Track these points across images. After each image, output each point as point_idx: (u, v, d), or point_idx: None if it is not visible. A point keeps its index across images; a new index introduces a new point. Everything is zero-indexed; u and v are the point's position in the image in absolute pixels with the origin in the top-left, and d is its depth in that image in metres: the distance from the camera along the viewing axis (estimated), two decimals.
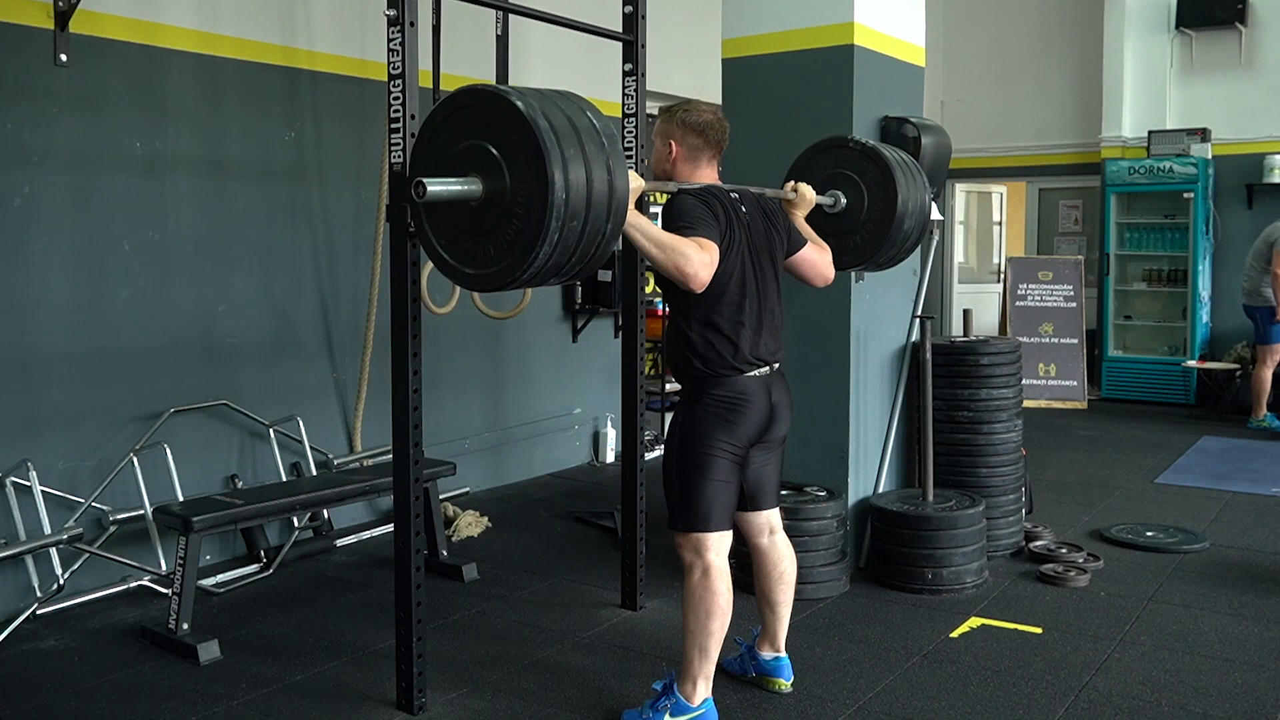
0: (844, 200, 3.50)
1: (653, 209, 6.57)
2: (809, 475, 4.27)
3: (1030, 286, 8.95)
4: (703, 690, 2.91)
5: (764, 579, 3.22)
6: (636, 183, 2.68)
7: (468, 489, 5.51)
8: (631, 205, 2.61)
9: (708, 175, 3.08)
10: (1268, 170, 8.47)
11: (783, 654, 3.24)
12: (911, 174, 3.51)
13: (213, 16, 4.49)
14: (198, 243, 4.48)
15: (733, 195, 3.01)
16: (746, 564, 3.36)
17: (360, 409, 5.08)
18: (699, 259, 2.68)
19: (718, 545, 2.91)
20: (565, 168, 2.24)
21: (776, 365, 3.04)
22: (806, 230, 3.25)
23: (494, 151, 2.32)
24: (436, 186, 2.30)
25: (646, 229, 2.70)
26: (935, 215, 4.48)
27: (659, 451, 6.70)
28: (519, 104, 2.28)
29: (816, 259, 3.22)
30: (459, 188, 2.34)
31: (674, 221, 2.81)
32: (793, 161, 3.64)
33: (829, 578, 4.05)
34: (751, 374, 2.95)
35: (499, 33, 4.97)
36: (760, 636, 3.26)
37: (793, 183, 3.31)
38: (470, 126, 2.39)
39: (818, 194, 3.35)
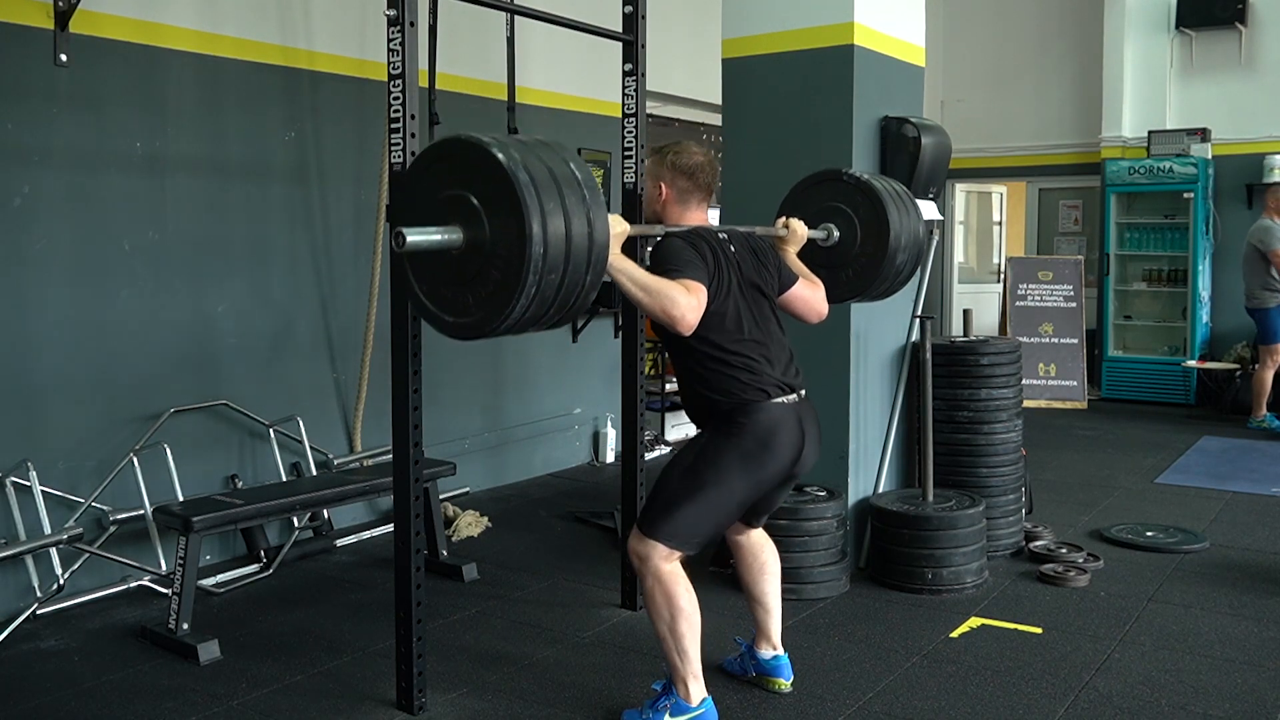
0: (837, 233, 3.49)
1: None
2: (809, 475, 4.25)
3: (1030, 286, 8.95)
4: (697, 690, 2.90)
5: (746, 572, 3.21)
6: (621, 227, 2.68)
7: (468, 489, 5.51)
8: (617, 250, 2.62)
9: (698, 217, 3.09)
10: (1268, 170, 8.47)
11: (781, 652, 3.23)
12: (904, 206, 3.50)
13: (213, 16, 4.49)
14: (198, 243, 4.48)
15: (721, 235, 3.01)
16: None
17: (360, 409, 5.08)
18: (685, 302, 2.67)
19: (671, 556, 2.88)
20: (544, 221, 2.23)
21: (804, 392, 3.00)
22: (798, 266, 3.25)
23: (475, 202, 2.31)
24: (416, 236, 2.30)
25: (633, 274, 2.69)
26: (935, 215, 4.49)
27: (659, 451, 6.71)
28: (499, 155, 2.27)
29: (809, 295, 3.21)
30: (439, 237, 2.33)
31: (661, 264, 2.80)
32: (788, 192, 3.63)
33: (829, 578, 4.05)
34: (780, 400, 2.89)
35: (509, 34, 4.97)
36: (756, 636, 3.26)
37: (784, 219, 3.30)
38: (453, 175, 2.38)
39: (810, 227, 3.35)
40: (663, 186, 3.08)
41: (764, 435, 2.86)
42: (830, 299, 3.31)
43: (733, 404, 2.88)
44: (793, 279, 3.17)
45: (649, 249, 2.99)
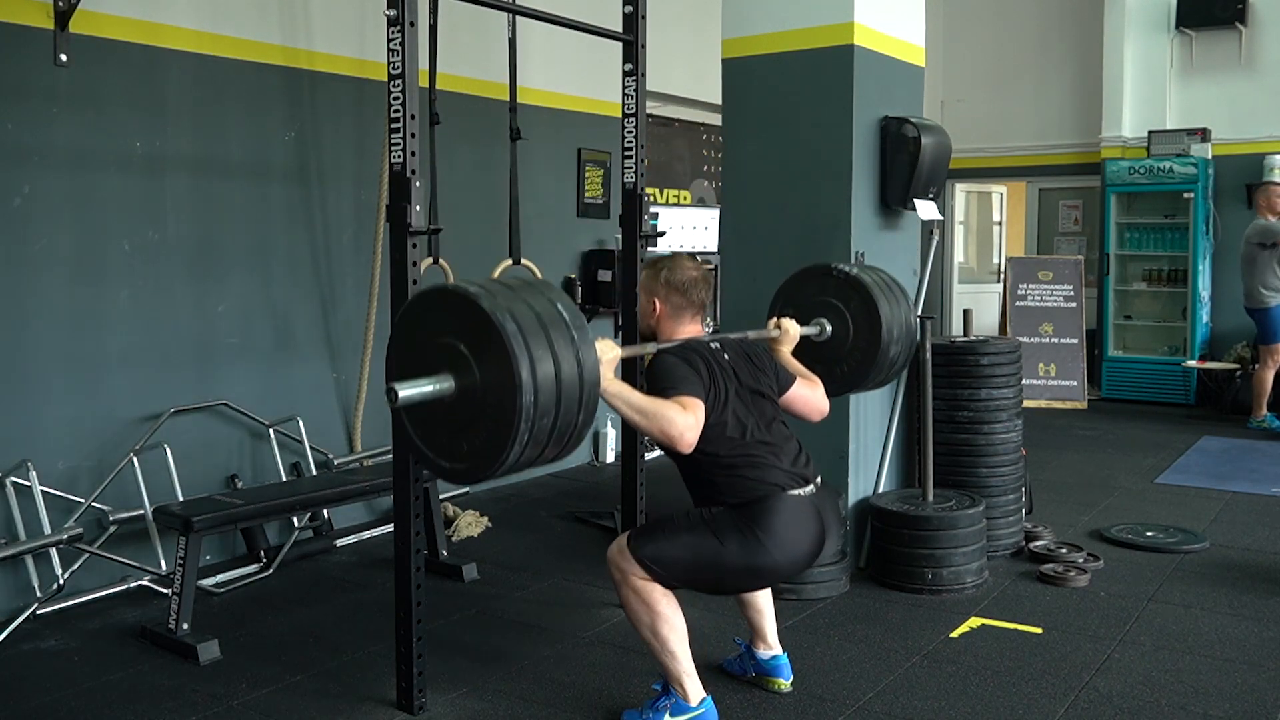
0: (829, 329, 3.49)
1: (654, 207, 6.59)
2: None
3: (1030, 286, 8.95)
4: (694, 688, 2.90)
5: None
6: (612, 353, 2.68)
7: (468, 489, 5.51)
8: (610, 374, 2.63)
9: (691, 329, 3.11)
10: (1268, 170, 8.45)
11: (779, 651, 3.23)
12: (895, 297, 3.52)
13: (213, 16, 4.49)
14: (198, 243, 4.48)
15: (713, 345, 3.02)
16: None
17: (360, 409, 5.08)
18: (683, 421, 2.68)
19: (648, 579, 2.85)
20: (533, 367, 2.24)
21: (820, 480, 2.99)
22: (794, 366, 3.26)
23: (464, 350, 2.32)
24: (408, 390, 2.30)
25: (629, 398, 2.70)
26: (935, 215, 4.49)
27: (659, 452, 6.70)
28: (484, 305, 2.28)
29: (809, 394, 3.21)
30: (430, 388, 2.33)
31: (656, 384, 2.82)
32: (778, 288, 3.64)
33: (829, 578, 4.05)
34: (795, 492, 2.87)
35: (510, 35, 4.97)
36: (753, 637, 3.26)
37: (776, 319, 3.32)
38: (442, 324, 2.39)
39: (802, 324, 3.37)
40: (656, 302, 3.10)
41: (777, 531, 2.82)
42: (826, 393, 3.33)
43: (745, 499, 2.86)
44: (790, 380, 3.19)
45: (647, 365, 2.99)
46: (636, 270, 3.82)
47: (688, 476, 2.97)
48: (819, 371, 3.34)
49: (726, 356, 3.02)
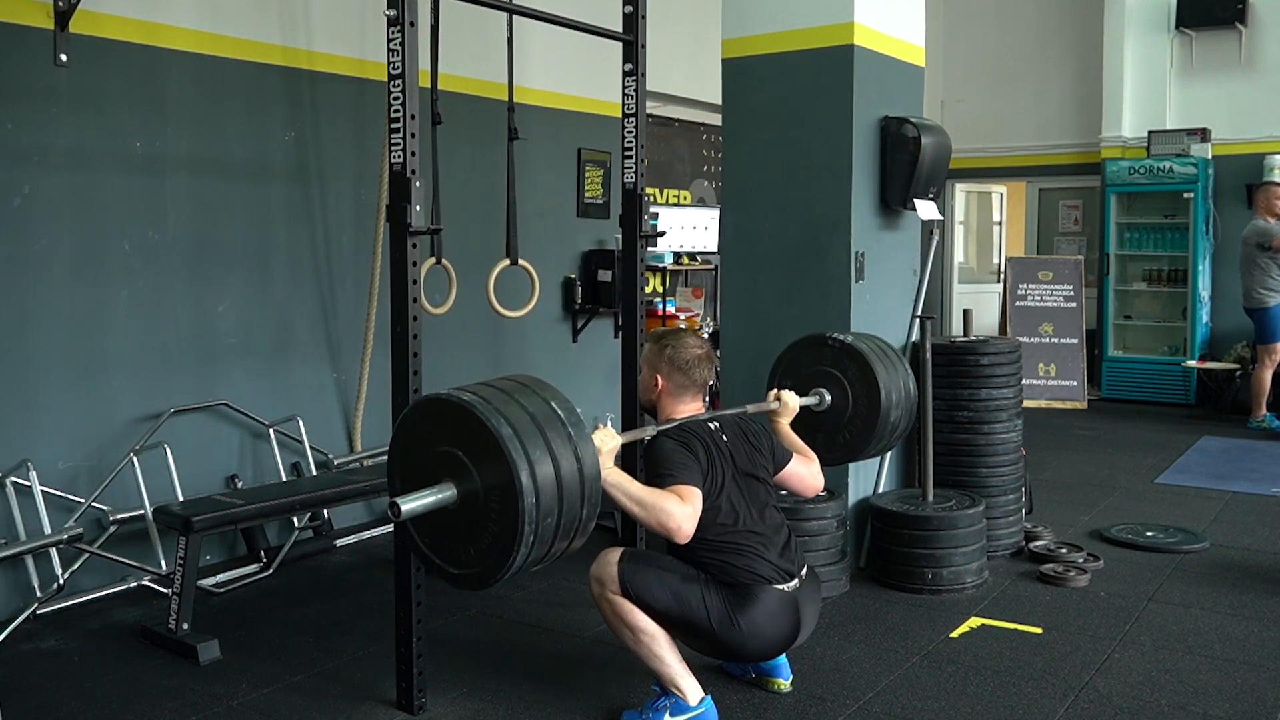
0: (829, 398, 3.52)
1: (654, 207, 6.58)
2: None
3: (1030, 286, 8.95)
4: (692, 689, 2.91)
5: None
6: (612, 443, 2.71)
7: None
8: (610, 463, 2.66)
9: (692, 407, 3.13)
10: (1268, 170, 8.45)
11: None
12: (892, 363, 3.55)
13: (213, 16, 4.49)
14: (198, 243, 4.48)
15: (712, 425, 3.04)
16: None
17: (360, 409, 5.08)
18: (680, 513, 2.71)
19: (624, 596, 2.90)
20: (532, 470, 2.25)
21: (805, 572, 3.03)
22: (791, 440, 3.29)
23: (463, 457, 2.33)
24: (410, 504, 2.31)
25: (627, 489, 2.73)
26: (935, 215, 4.49)
27: None
28: (479, 412, 2.29)
29: (804, 472, 3.25)
30: (432, 499, 2.34)
31: (655, 469, 2.85)
32: (776, 358, 3.67)
33: (829, 578, 4.04)
34: (780, 587, 2.92)
35: (508, 35, 4.97)
36: None
37: (775, 392, 3.36)
38: (439, 433, 2.40)
39: (801, 394, 3.40)
40: (659, 378, 3.12)
41: (755, 620, 2.88)
42: (828, 462, 3.38)
43: (731, 581, 2.91)
44: (786, 458, 3.21)
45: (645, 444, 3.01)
46: (637, 270, 3.82)
47: (675, 552, 2.98)
48: (820, 440, 3.39)
49: (725, 438, 3.04)
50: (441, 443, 2.38)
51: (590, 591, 2.97)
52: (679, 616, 2.88)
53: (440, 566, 2.48)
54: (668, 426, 2.97)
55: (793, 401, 3.34)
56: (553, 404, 2.42)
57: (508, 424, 2.29)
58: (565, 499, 2.33)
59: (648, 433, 2.94)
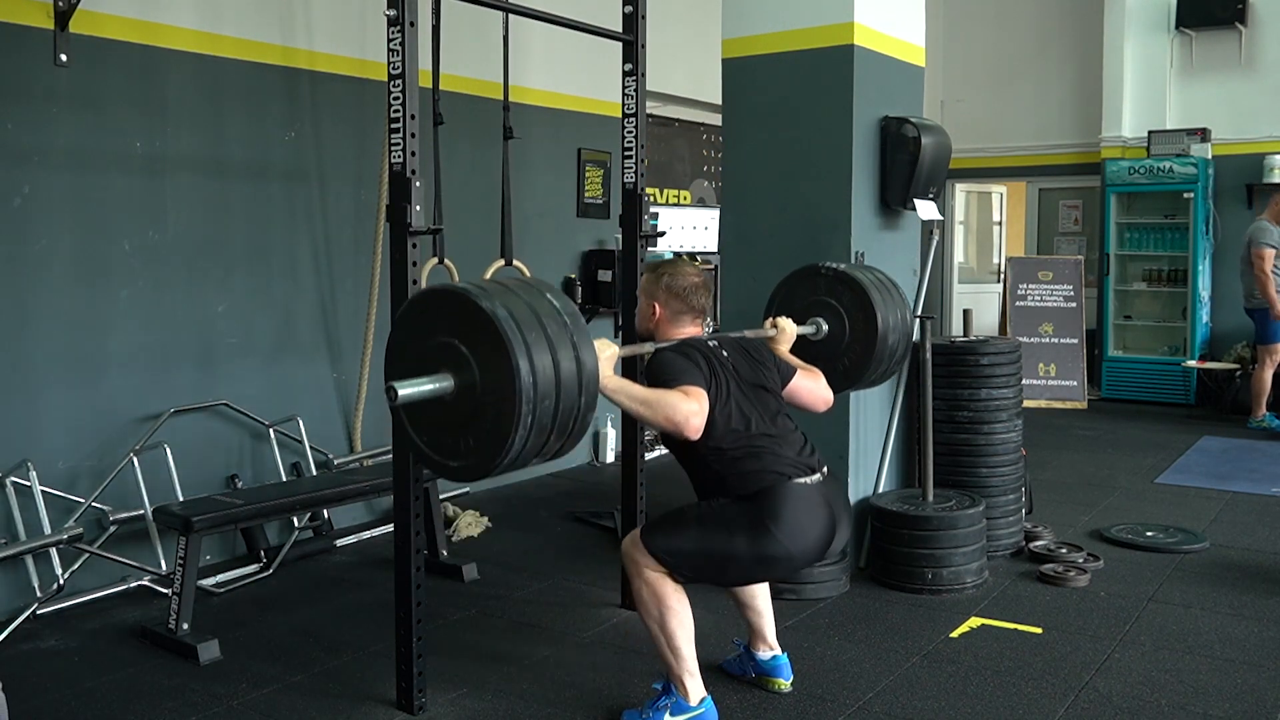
0: (825, 327, 3.52)
1: (654, 207, 6.59)
2: None
3: (1030, 286, 8.95)
4: (695, 688, 2.90)
5: None
6: (610, 351, 2.70)
7: (468, 489, 5.51)
8: (609, 371, 2.64)
9: (690, 331, 3.11)
10: (1268, 170, 8.48)
11: (779, 651, 3.23)
12: (887, 291, 3.53)
13: (213, 16, 4.49)
14: (198, 243, 4.48)
15: (712, 343, 3.03)
16: None
17: (360, 409, 5.08)
18: (686, 406, 2.68)
19: (660, 569, 2.87)
20: (529, 354, 2.27)
21: (826, 470, 2.99)
22: (794, 360, 3.27)
23: (462, 347, 2.34)
24: (407, 389, 2.31)
25: (630, 391, 2.71)
26: (935, 215, 4.49)
27: (659, 451, 6.70)
28: (479, 300, 2.31)
29: (811, 385, 3.22)
30: (430, 386, 2.35)
31: (657, 379, 2.83)
32: (771, 291, 3.66)
33: (829, 578, 4.05)
34: (802, 480, 2.87)
35: (504, 34, 4.97)
36: (751, 638, 3.26)
37: (772, 319, 3.34)
38: (438, 324, 2.41)
39: (799, 324, 3.38)
40: (656, 306, 3.11)
41: (786, 519, 2.81)
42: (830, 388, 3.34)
43: (751, 491, 2.85)
44: (792, 372, 3.19)
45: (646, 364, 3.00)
46: (636, 270, 3.82)
47: (693, 474, 2.98)
48: (820, 369, 3.34)
49: (725, 354, 3.02)
50: (441, 334, 2.39)
51: (626, 572, 2.94)
52: (712, 554, 2.83)
53: (439, 462, 2.48)
54: (667, 344, 2.96)
55: (790, 328, 3.30)
56: (554, 302, 2.42)
57: (506, 311, 2.30)
58: (563, 386, 2.33)
59: (647, 348, 2.94)
